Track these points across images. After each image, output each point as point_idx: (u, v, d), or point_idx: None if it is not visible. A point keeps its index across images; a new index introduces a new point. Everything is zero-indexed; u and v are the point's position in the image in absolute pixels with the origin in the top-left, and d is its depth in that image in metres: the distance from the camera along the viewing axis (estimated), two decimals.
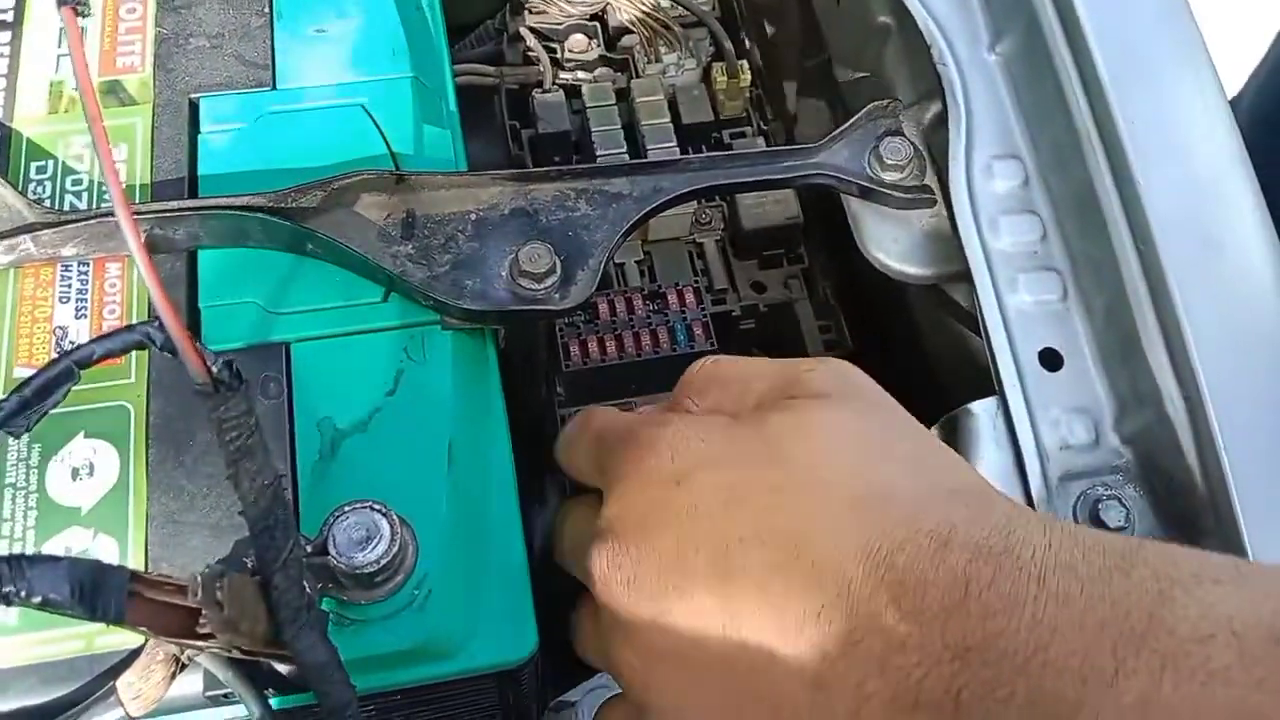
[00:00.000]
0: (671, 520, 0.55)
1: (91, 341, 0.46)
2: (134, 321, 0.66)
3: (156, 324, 0.47)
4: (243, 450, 0.48)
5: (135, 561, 0.62)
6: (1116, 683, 0.39)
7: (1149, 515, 0.67)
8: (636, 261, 0.98)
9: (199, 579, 0.47)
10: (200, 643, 0.50)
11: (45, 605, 0.47)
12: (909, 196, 0.77)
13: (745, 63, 1.04)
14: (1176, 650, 0.39)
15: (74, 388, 0.61)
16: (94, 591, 0.48)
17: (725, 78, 1.03)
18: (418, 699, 0.68)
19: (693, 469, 0.56)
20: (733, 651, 0.50)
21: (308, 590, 0.54)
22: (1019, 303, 0.71)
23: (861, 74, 0.91)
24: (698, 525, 0.54)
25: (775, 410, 0.58)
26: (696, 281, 0.95)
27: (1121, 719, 0.39)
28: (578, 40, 1.10)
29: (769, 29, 1.12)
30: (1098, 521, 0.65)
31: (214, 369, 0.47)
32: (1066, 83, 0.72)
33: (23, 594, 0.46)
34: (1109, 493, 0.66)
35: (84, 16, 0.52)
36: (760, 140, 1.02)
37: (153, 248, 0.71)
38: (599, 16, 1.11)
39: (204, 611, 0.46)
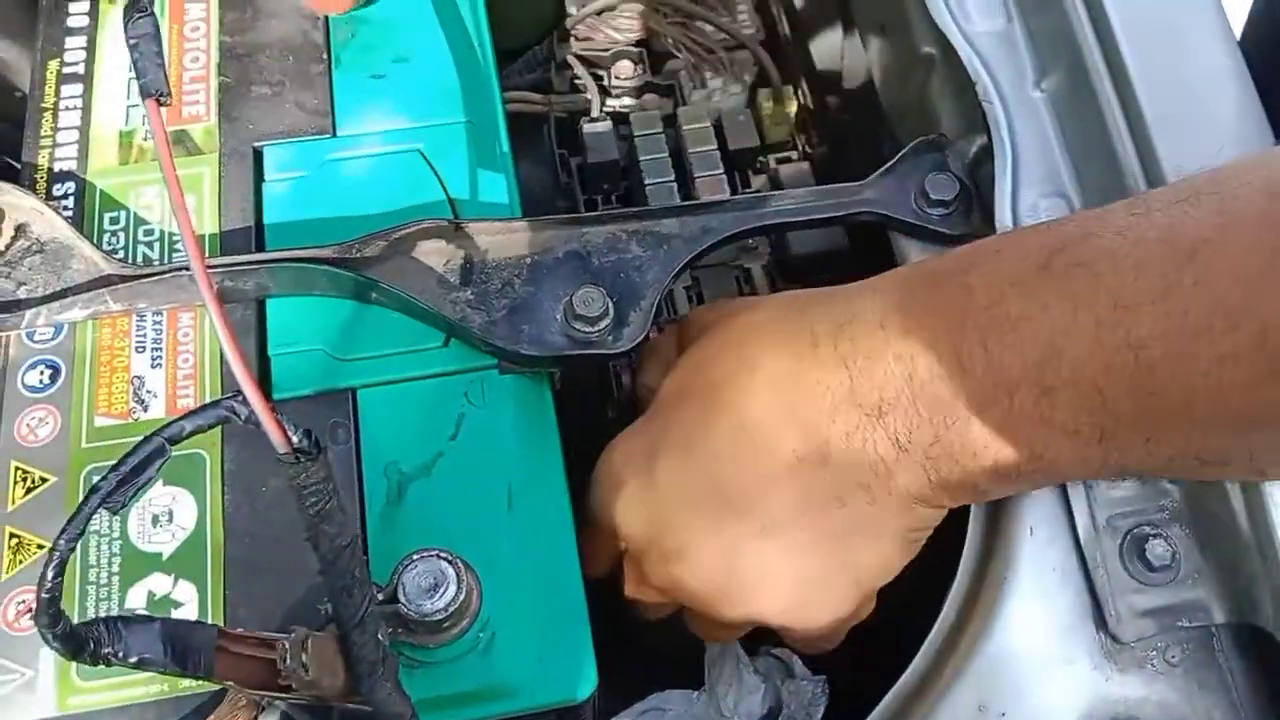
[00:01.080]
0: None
1: (181, 418, 0.49)
2: (205, 383, 0.69)
3: (240, 398, 0.49)
4: (322, 514, 0.51)
5: (214, 607, 0.65)
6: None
7: (1195, 555, 0.68)
8: (685, 288, 1.00)
9: (287, 645, 0.49)
10: (281, 694, 0.53)
11: (141, 665, 0.50)
12: (956, 234, 0.78)
13: (790, 87, 1.05)
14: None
15: None
16: (185, 650, 0.51)
17: (771, 102, 1.05)
18: None
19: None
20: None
21: (383, 642, 0.57)
22: None
23: (907, 103, 0.92)
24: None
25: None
26: None
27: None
28: (624, 66, 1.11)
29: (814, 51, 1.13)
30: (1144, 559, 0.67)
31: (295, 439, 0.49)
32: (1111, 122, 0.73)
33: (120, 654, 0.49)
34: (1155, 531, 0.67)
35: (165, 107, 0.55)
36: (805, 165, 1.03)
37: (223, 298, 0.74)
38: (644, 43, 1.13)
39: (288, 672, 0.49)
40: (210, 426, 0.50)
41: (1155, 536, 0.67)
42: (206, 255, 0.76)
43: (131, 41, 0.55)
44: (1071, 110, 0.77)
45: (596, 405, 0.93)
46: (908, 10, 0.89)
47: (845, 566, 0.69)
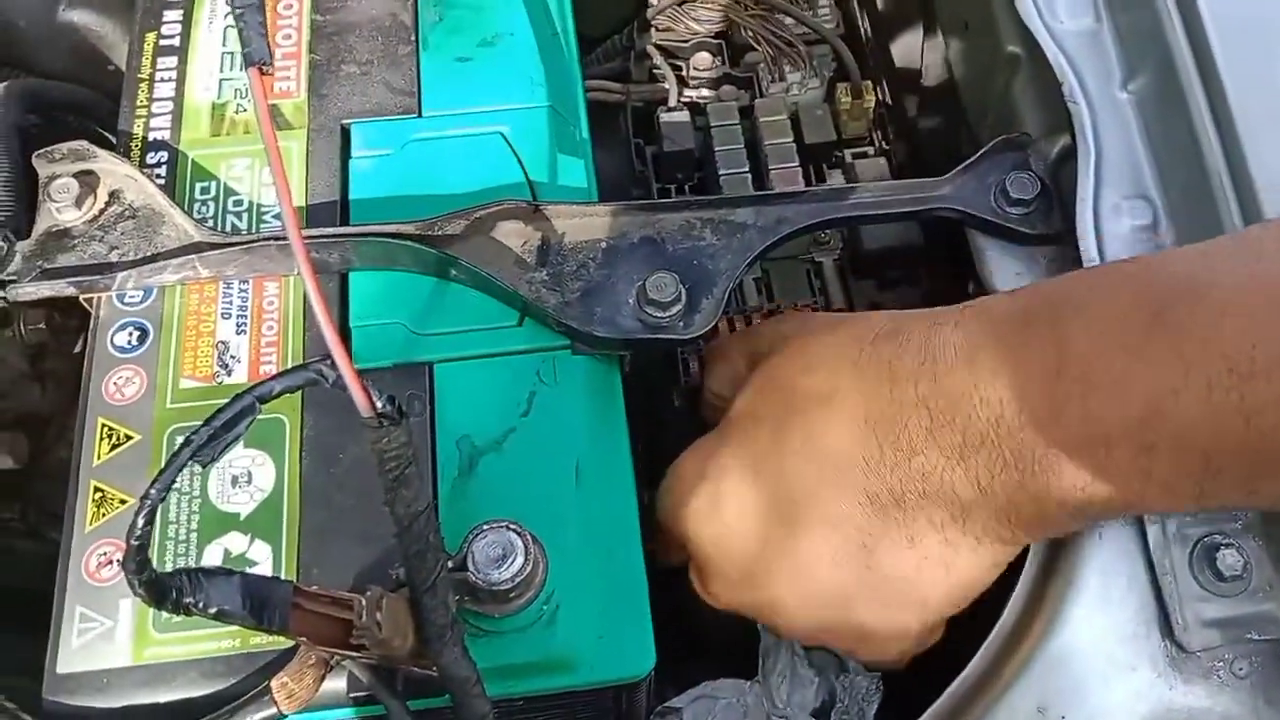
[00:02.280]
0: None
1: (272, 378, 0.51)
2: (288, 350, 0.71)
3: (329, 363, 0.51)
4: (400, 479, 0.52)
5: (287, 567, 0.67)
6: None
7: (1267, 567, 0.67)
8: (755, 280, 1.00)
9: (364, 601, 0.51)
10: (353, 653, 0.55)
11: (220, 616, 0.52)
12: (1035, 233, 0.78)
13: (869, 82, 1.05)
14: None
15: None
16: (262, 604, 0.52)
17: (849, 97, 1.04)
18: (539, 707, 0.71)
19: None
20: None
21: (451, 608, 0.58)
22: None
23: (988, 102, 0.92)
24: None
25: None
26: (814, 301, 0.96)
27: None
28: (702, 58, 1.12)
29: (894, 48, 1.13)
30: (1214, 568, 0.66)
31: (379, 404, 0.51)
32: (1199, 124, 0.72)
33: (201, 605, 0.51)
34: (1227, 540, 0.66)
35: (269, 76, 0.57)
36: (882, 160, 1.03)
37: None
38: (724, 34, 1.13)
39: (361, 629, 0.51)
40: (299, 388, 0.51)
41: (1227, 546, 0.66)
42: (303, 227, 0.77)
43: (237, 10, 0.57)
44: (1158, 112, 0.76)
45: (664, 392, 0.94)
46: (994, 9, 0.88)
47: (912, 603, 0.68)
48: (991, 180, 0.80)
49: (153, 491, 0.47)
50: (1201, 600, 0.66)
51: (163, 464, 0.67)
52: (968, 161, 0.80)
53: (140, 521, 0.47)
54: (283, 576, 0.66)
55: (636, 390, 0.95)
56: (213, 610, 0.51)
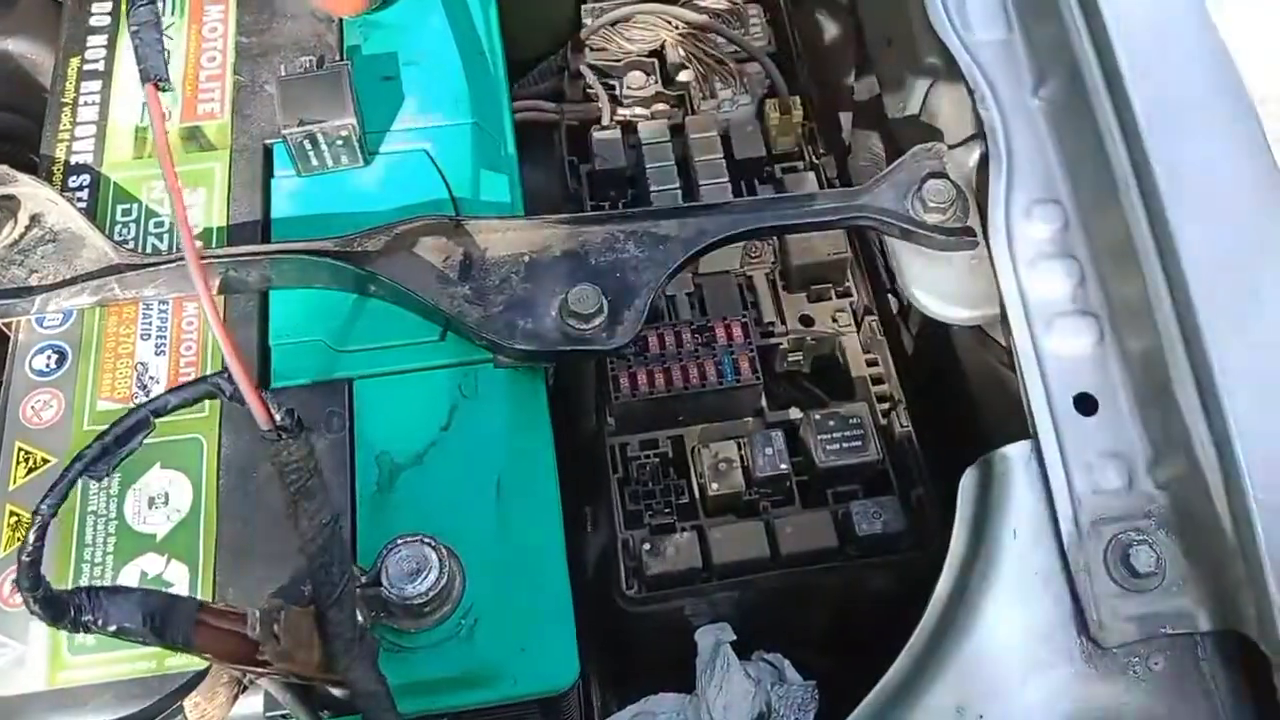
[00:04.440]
0: None
1: (167, 392, 0.51)
2: (207, 372, 0.71)
3: (226, 375, 0.51)
4: (302, 491, 0.52)
5: (204, 587, 0.66)
6: None
7: (1180, 561, 0.68)
8: (687, 294, 1.01)
9: (257, 614, 0.51)
10: (260, 669, 0.54)
11: (120, 634, 0.51)
12: (949, 239, 0.79)
13: (798, 98, 1.06)
14: None
15: None
16: (164, 620, 0.52)
17: (778, 113, 1.05)
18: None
19: None
20: None
21: (361, 622, 0.58)
22: (1055, 347, 0.72)
23: (910, 113, 0.93)
24: None
25: None
26: (744, 316, 0.97)
27: None
28: (636, 77, 1.13)
29: (824, 64, 1.14)
30: (1129, 565, 0.67)
31: (277, 417, 0.51)
32: (1106, 129, 0.73)
33: (100, 623, 0.50)
34: (1141, 538, 0.67)
35: (165, 92, 0.57)
36: (811, 175, 1.04)
37: (227, 289, 0.76)
38: (657, 53, 1.14)
39: (259, 642, 0.50)
40: (194, 401, 0.51)
41: (1141, 543, 0.67)
42: (214, 246, 0.77)
43: (133, 29, 0.57)
44: (1067, 117, 0.77)
45: (599, 408, 0.94)
46: (912, 23, 0.90)
47: None
48: (908, 188, 0.81)
49: (44, 507, 0.47)
50: (1117, 597, 0.67)
51: (78, 488, 0.66)
52: (884, 171, 0.81)
53: (31, 538, 0.47)
54: (199, 596, 0.66)
55: (567, 406, 0.96)
56: (112, 628, 0.50)
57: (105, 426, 0.50)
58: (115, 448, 0.48)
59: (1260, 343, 0.67)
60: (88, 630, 0.50)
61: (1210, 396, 0.66)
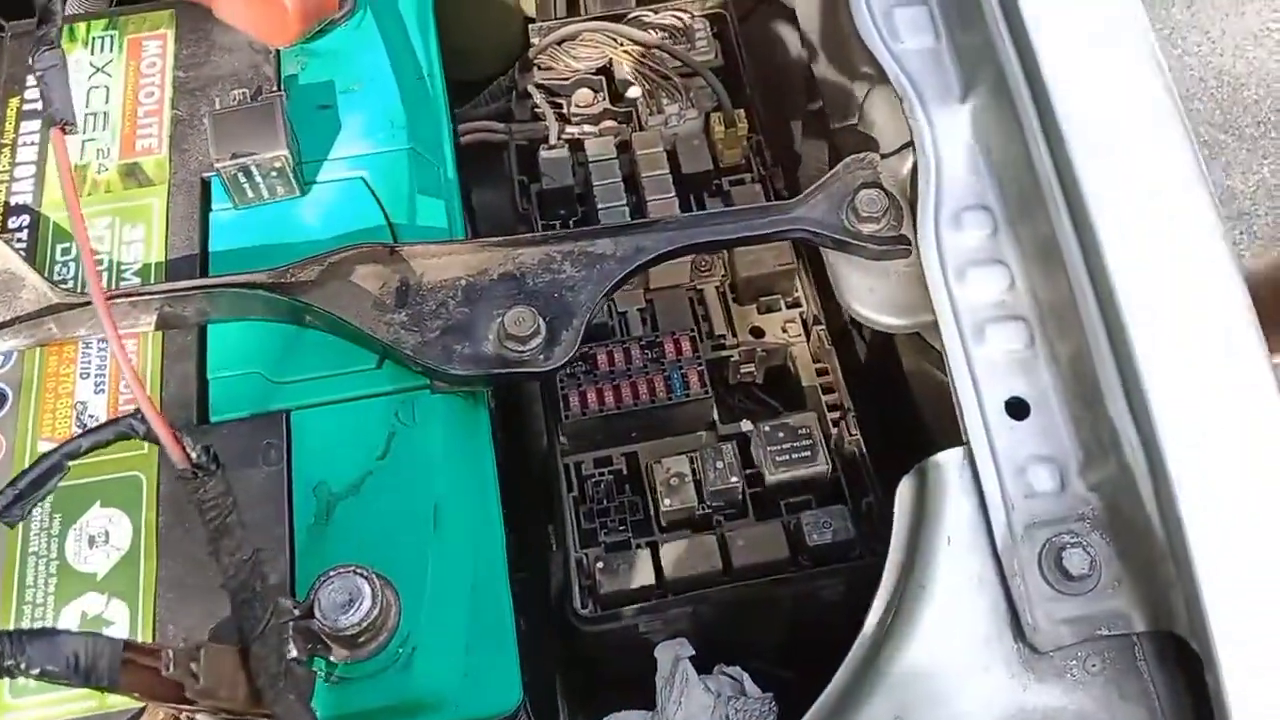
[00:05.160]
0: None
1: (79, 435, 0.51)
2: (119, 415, 0.71)
3: (139, 416, 0.51)
4: (220, 529, 0.52)
5: (145, 624, 0.66)
6: None
7: (1115, 563, 0.68)
8: (639, 310, 1.01)
9: (171, 654, 0.51)
10: (189, 707, 0.55)
11: (44, 676, 0.52)
12: (882, 248, 0.79)
13: (742, 112, 1.07)
14: None
15: (92, 459, 0.67)
16: (91, 663, 0.52)
17: (723, 127, 1.06)
18: None
19: None
20: None
21: (292, 654, 0.58)
22: (986, 353, 0.73)
23: (849, 122, 0.94)
24: None
25: None
26: (692, 330, 0.97)
27: None
28: (583, 94, 1.13)
29: (772, 78, 1.15)
30: (1062, 568, 0.67)
31: (193, 455, 0.51)
32: (1030, 134, 0.74)
33: (23, 666, 0.51)
34: (1074, 540, 0.68)
35: (71, 134, 0.57)
36: (758, 187, 1.05)
37: (165, 324, 0.76)
38: (605, 70, 1.15)
39: (174, 680, 0.51)
40: (109, 443, 0.51)
41: (1074, 545, 0.67)
42: (152, 281, 0.78)
43: (39, 73, 0.58)
44: (994, 124, 0.78)
45: (546, 429, 0.94)
46: (847, 33, 0.90)
47: None
48: (842, 199, 0.81)
49: None
50: (1051, 600, 0.67)
51: (19, 528, 0.67)
52: (818, 183, 0.82)
53: None
54: (140, 635, 0.66)
55: (519, 426, 0.96)
56: (35, 671, 0.51)
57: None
58: (29, 492, 0.49)
59: (1186, 342, 0.67)
60: (11, 675, 0.51)
61: (1137, 398, 0.66)
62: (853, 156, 0.83)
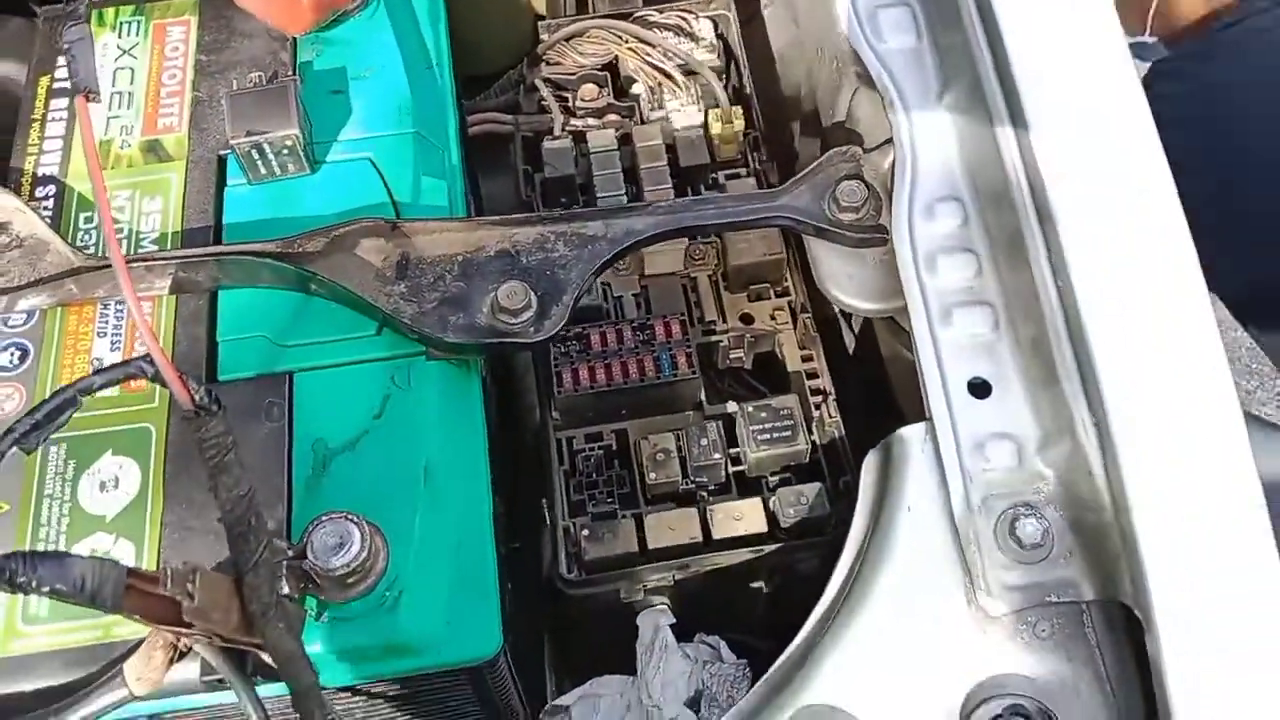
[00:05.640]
0: None
1: (94, 373, 0.56)
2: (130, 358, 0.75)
3: (148, 359, 0.55)
4: (220, 466, 0.56)
5: (149, 563, 0.71)
6: None
7: (1067, 535, 0.71)
8: (634, 295, 1.05)
9: (169, 571, 0.55)
10: (185, 629, 0.59)
11: (54, 595, 0.56)
12: (860, 235, 0.83)
13: (739, 108, 1.11)
14: None
15: (106, 411, 0.72)
16: (96, 584, 0.57)
17: (720, 123, 1.10)
18: (398, 692, 0.76)
19: None
20: None
21: (285, 588, 0.62)
22: (953, 335, 0.76)
23: (838, 119, 0.98)
24: None
25: None
26: (682, 314, 1.01)
27: None
28: (588, 89, 1.18)
29: (765, 75, 1.19)
30: (1015, 537, 0.70)
31: (196, 396, 0.56)
32: (1001, 131, 0.78)
33: (34, 584, 0.55)
34: (1029, 512, 0.71)
35: (95, 103, 0.62)
36: (752, 180, 1.09)
37: (179, 288, 0.81)
38: (610, 66, 1.19)
39: (179, 600, 0.55)
40: (119, 381, 0.56)
41: (1028, 516, 0.71)
42: (167, 249, 0.83)
43: (66, 46, 0.63)
44: (968, 120, 0.82)
45: (539, 404, 0.99)
46: (836, 33, 0.94)
47: None
48: (824, 190, 0.85)
49: None
50: (1004, 568, 0.71)
51: (36, 472, 0.72)
52: (802, 174, 0.86)
53: None
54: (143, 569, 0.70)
55: (515, 401, 1.01)
56: (45, 589, 0.55)
57: (74, 426, 0.55)
58: (45, 423, 0.53)
59: (1137, 331, 0.71)
60: (25, 591, 0.55)
61: (1091, 381, 0.70)
62: (836, 149, 0.87)
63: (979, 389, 0.75)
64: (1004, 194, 0.77)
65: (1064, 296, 0.72)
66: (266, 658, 0.66)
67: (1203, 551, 0.66)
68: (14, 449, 0.52)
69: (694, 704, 0.93)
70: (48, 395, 0.73)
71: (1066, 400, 0.71)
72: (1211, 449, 0.68)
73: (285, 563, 0.64)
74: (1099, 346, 0.70)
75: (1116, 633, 0.70)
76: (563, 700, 0.98)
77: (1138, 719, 0.69)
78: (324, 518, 0.67)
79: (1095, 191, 0.74)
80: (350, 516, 0.67)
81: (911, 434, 0.74)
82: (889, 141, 0.87)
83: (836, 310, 1.11)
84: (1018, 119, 0.77)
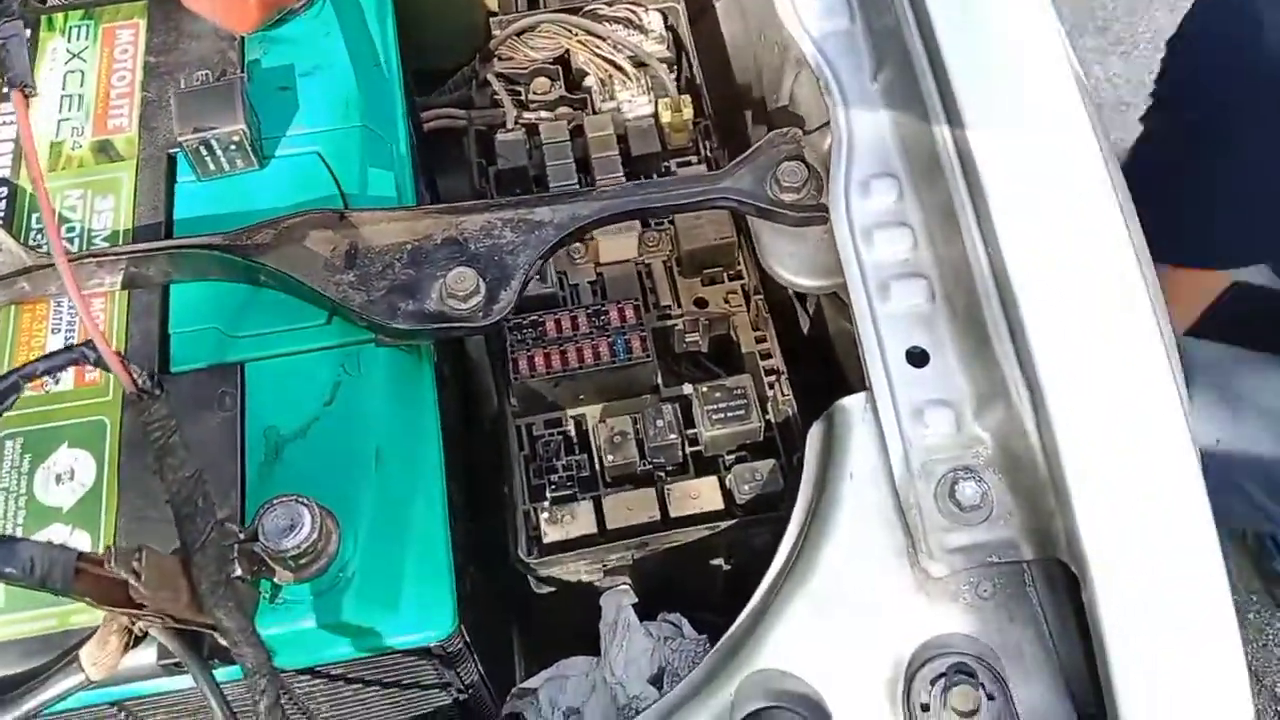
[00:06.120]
0: None
1: (36, 360, 0.57)
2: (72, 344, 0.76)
3: (90, 345, 0.56)
4: (165, 448, 0.58)
5: None
6: None
7: (1006, 497, 0.73)
8: (589, 282, 1.07)
9: (113, 551, 0.56)
10: (137, 611, 0.60)
11: (4, 579, 0.57)
12: (800, 214, 0.85)
13: (689, 98, 1.13)
14: None
15: (61, 405, 0.73)
16: (45, 567, 0.58)
17: (671, 112, 1.12)
18: (358, 675, 0.77)
19: None
20: None
21: (236, 570, 0.63)
22: (890, 308, 0.78)
23: (781, 103, 1.00)
24: None
25: None
26: (637, 299, 1.03)
27: None
28: (540, 83, 1.19)
29: (714, 63, 1.21)
30: (954, 499, 0.72)
31: (138, 380, 0.57)
32: (931, 108, 0.80)
33: None
34: (967, 475, 0.73)
35: (31, 97, 0.63)
36: (703, 167, 1.10)
37: (131, 283, 0.82)
38: (562, 60, 1.21)
39: (123, 578, 0.56)
40: (62, 367, 0.57)
41: (967, 479, 0.73)
42: (120, 245, 0.84)
43: (0, 41, 0.64)
44: (901, 99, 0.83)
45: (496, 391, 1.00)
46: (777, 18, 0.96)
47: None
48: (766, 171, 0.87)
49: None
50: (945, 530, 0.72)
51: None
52: (743, 156, 0.88)
53: None
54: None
55: (473, 389, 1.02)
56: None
57: (30, 421, 0.56)
58: None
59: (1066, 294, 0.72)
60: None
61: (1023, 347, 0.72)
62: (777, 131, 0.89)
63: (917, 358, 0.77)
64: (936, 168, 0.79)
65: (994, 264, 0.74)
66: (221, 640, 0.67)
67: (1135, 504, 0.68)
68: None
69: (657, 680, 0.94)
70: None
71: (1000, 365, 0.73)
72: (1142, 405, 0.70)
73: (237, 545, 0.66)
74: (1029, 311, 0.72)
75: (1058, 593, 0.72)
76: (530, 683, 0.99)
77: (1080, 675, 0.71)
78: (275, 500, 0.68)
79: (1023, 162, 0.76)
80: (301, 499, 0.68)
81: (853, 404, 0.76)
82: (828, 123, 0.89)
83: (790, 293, 1.13)
84: (947, 96, 0.79)
